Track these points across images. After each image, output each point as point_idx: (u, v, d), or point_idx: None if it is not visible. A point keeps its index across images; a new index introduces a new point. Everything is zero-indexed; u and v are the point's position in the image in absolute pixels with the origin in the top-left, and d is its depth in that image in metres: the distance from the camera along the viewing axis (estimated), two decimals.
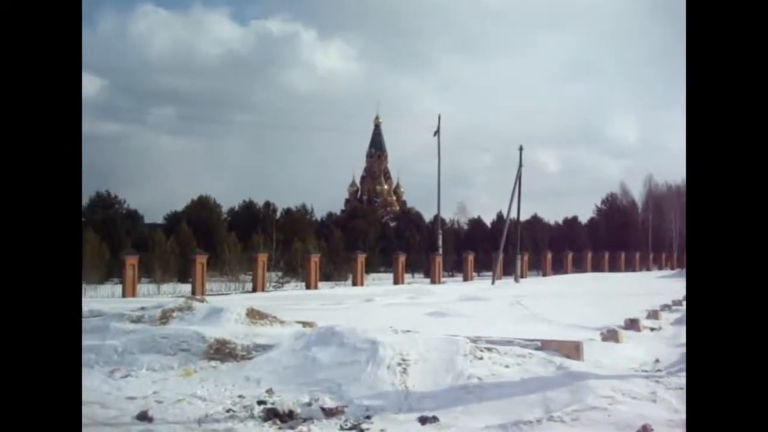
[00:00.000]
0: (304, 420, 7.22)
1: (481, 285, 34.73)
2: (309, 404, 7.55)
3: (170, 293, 26.97)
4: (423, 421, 6.96)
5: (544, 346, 9.38)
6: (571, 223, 75.80)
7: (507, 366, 8.34)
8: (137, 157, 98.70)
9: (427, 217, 66.28)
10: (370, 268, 41.56)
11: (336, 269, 40.49)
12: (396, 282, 37.25)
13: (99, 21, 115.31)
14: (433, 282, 38.74)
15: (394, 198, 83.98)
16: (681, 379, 8.02)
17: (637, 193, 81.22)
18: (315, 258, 34.37)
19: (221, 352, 10.06)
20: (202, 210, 52.32)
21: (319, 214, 65.37)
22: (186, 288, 29.21)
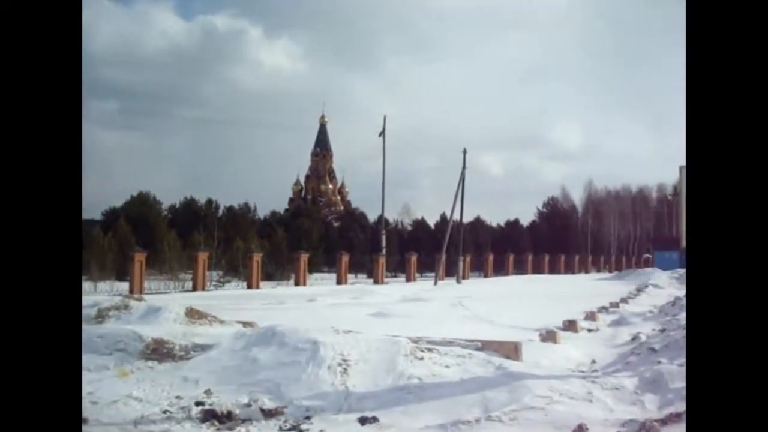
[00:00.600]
0: (243, 421, 7.13)
1: (423, 286, 34.95)
2: (248, 405, 7.46)
3: (107, 291, 26.32)
4: (363, 421, 6.94)
5: (484, 346, 9.48)
6: (513, 225, 77.06)
7: (447, 366, 8.39)
8: None
9: (372, 217, 66.46)
10: (314, 267, 41.45)
11: (278, 269, 40.22)
12: (339, 282, 37.22)
13: None
14: (376, 282, 38.81)
15: (339, 198, 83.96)
16: (616, 380, 8.22)
17: (578, 198, 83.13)
18: (257, 257, 34.06)
19: (159, 352, 9.86)
20: (141, 207, 51.34)
21: (263, 212, 64.93)
22: (124, 286, 28.60)
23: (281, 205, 76.76)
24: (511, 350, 9.54)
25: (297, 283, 35.24)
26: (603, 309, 18.62)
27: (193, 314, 11.64)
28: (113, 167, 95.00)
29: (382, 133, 47.23)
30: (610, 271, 58.84)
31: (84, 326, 11.17)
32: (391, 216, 64.41)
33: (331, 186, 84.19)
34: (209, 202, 59.25)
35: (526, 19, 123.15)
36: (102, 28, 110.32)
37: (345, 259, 38.82)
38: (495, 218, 79.74)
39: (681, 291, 24.78)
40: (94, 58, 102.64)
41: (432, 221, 69.12)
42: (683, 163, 51.76)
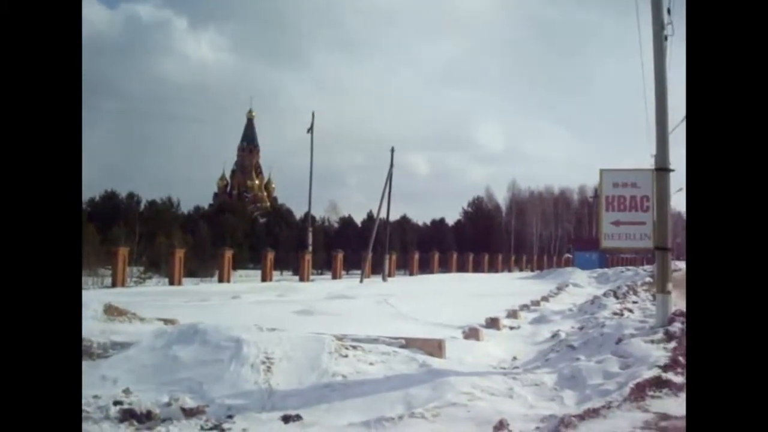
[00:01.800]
0: (163, 420, 6.98)
1: (349, 283, 34.97)
2: (168, 404, 7.30)
3: None
4: (286, 419, 6.90)
5: (408, 344, 9.56)
6: (439, 224, 77.99)
7: (371, 363, 8.42)
8: None
9: (298, 214, 66.19)
10: (238, 264, 40.91)
11: (202, 265, 39.55)
12: (264, 279, 36.88)
13: None
14: (302, 280, 38.63)
15: (265, 194, 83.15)
16: (536, 376, 8.42)
17: (502, 198, 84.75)
18: (180, 253, 33.39)
19: None
20: None
21: (186, 207, 63.70)
22: None
23: (206, 200, 75.62)
24: (435, 347, 9.65)
25: (221, 280, 34.76)
26: (525, 307, 19.03)
27: (112, 311, 11.31)
28: None
29: (311, 130, 47.02)
30: (532, 270, 60.25)
31: None
32: (317, 213, 64.33)
33: (257, 181, 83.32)
34: (130, 195, 57.87)
35: (452, 21, 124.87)
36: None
37: (270, 256, 38.49)
38: (421, 217, 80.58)
39: (599, 290, 25.61)
40: None
41: (359, 219, 69.33)
42: (604, 166, 53.44)
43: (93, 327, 10.37)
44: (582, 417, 6.22)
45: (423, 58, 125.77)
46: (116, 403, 7.43)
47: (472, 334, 12.49)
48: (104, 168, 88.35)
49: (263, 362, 8.13)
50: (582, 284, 31.13)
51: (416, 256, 52.61)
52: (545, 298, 22.36)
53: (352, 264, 46.53)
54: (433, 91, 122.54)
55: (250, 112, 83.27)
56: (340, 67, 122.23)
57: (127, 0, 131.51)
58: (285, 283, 34.52)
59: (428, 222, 78.50)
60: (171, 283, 31.96)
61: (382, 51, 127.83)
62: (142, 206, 56.50)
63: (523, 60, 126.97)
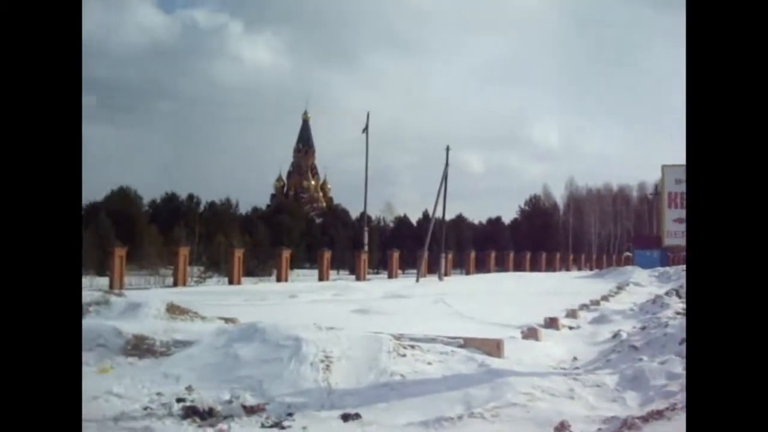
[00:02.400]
0: (225, 418, 7.09)
1: (405, 282, 34.95)
2: (230, 402, 7.43)
3: (87, 287, 26.07)
4: (345, 418, 6.93)
5: (467, 343, 9.50)
6: (495, 223, 77.36)
7: (429, 363, 8.39)
8: None
9: (354, 214, 66.47)
10: (295, 264, 41.32)
11: (260, 265, 40.08)
12: (321, 279, 37.11)
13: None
14: (358, 279, 38.78)
15: (321, 194, 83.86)
16: (597, 377, 8.26)
17: (559, 196, 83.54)
18: (238, 253, 33.90)
19: (139, 348, 9.79)
20: (122, 201, 50.93)
21: (244, 208, 64.61)
22: (104, 281, 28.34)
23: (263, 201, 76.56)
24: (493, 347, 9.56)
25: (278, 279, 35.11)
26: (584, 307, 18.73)
27: (174, 310, 11.56)
28: (94, 161, 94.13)
29: (366, 130, 47.15)
30: (590, 269, 59.24)
31: None
32: (373, 213, 64.38)
33: (313, 182, 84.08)
34: (190, 197, 58.95)
35: (506, 17, 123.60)
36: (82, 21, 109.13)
37: (327, 255, 38.73)
38: (477, 216, 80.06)
39: (661, 289, 25.00)
40: None
41: (414, 218, 69.25)
42: (665, 161, 52.27)
43: (156, 325, 10.62)
44: (645, 419, 6.08)
45: (477, 55, 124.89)
46: (179, 400, 7.60)
47: (530, 334, 12.35)
48: (165, 170, 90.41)
49: (322, 361, 8.19)
50: (643, 283, 30.47)
51: (472, 255, 52.27)
52: (605, 298, 21.95)
53: (408, 263, 46.52)
54: (488, 89, 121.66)
55: (305, 113, 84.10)
56: (393, 66, 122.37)
57: (184, 6, 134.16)
58: (341, 282, 34.72)
59: (484, 221, 77.96)
60: (230, 282, 32.46)
61: (435, 49, 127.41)
62: (202, 207, 57.56)
63: (578, 55, 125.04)
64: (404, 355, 8.54)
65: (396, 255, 43.84)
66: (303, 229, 59.95)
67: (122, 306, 11.67)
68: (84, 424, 6.93)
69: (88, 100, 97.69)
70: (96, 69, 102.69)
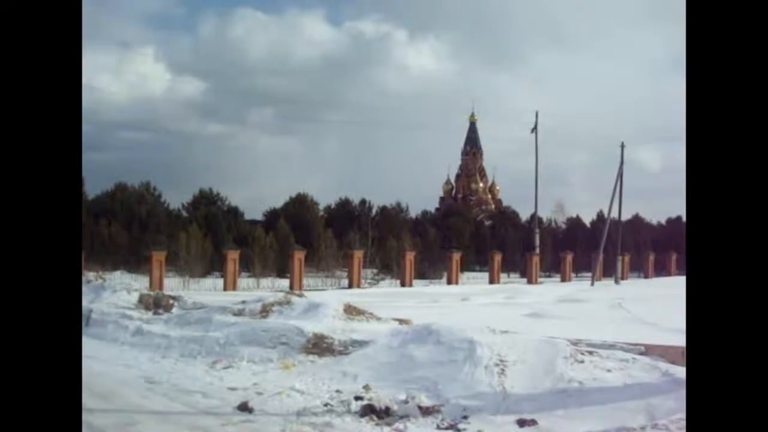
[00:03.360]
0: (401, 417, 7.21)
1: (579, 286, 33.92)
2: (405, 402, 7.54)
3: (269, 287, 27.59)
4: (521, 423, 6.81)
5: (649, 351, 9.03)
6: (675, 223, 72.80)
7: (609, 370, 8.06)
8: (238, 155, 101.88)
9: (524, 215, 65.36)
10: (465, 266, 41.29)
11: (431, 267, 40.43)
12: (492, 281, 36.87)
13: (200, 26, 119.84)
14: (529, 282, 38.11)
15: (490, 196, 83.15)
16: None
17: None
18: (410, 256, 34.42)
19: (319, 346, 10.20)
20: (299, 207, 53.35)
21: (414, 212, 65.45)
22: (284, 283, 29.82)
23: (432, 204, 77.20)
24: (678, 355, 9.00)
25: (449, 282, 35.27)
26: None
27: (351, 311, 11.94)
28: (273, 170, 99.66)
29: (535, 129, 46.35)
30: None
31: (248, 320, 11.80)
32: (544, 214, 63.03)
33: (481, 184, 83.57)
34: (363, 202, 60.58)
35: (675, 4, 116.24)
36: (257, 40, 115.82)
37: (497, 258, 38.38)
38: (656, 216, 75.83)
39: None
40: (251, 69, 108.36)
41: (587, 219, 66.87)
42: None
43: (334, 325, 11.03)
44: None
45: (646, 47, 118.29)
46: (357, 398, 7.83)
47: None
48: (338, 177, 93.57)
49: (497, 365, 8.11)
50: None
51: (651, 257, 49.65)
52: None
53: (581, 266, 45.03)
54: (661, 81, 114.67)
55: (472, 115, 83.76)
56: (559, 63, 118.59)
57: (351, 18, 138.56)
58: (512, 285, 34.27)
59: (663, 221, 73.75)
60: (402, 284, 33.02)
61: (601, 43, 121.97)
62: (374, 211, 59.03)
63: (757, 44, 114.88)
64: (582, 362, 8.26)
65: (569, 257, 42.59)
66: (472, 231, 59.82)
67: (303, 306, 12.22)
68: (269, 418, 7.34)
69: (266, 113, 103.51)
70: (274, 84, 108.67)
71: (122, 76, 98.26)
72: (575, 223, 67.99)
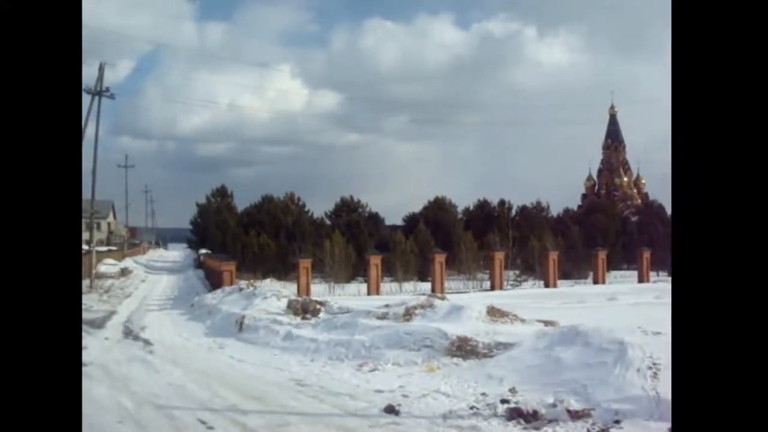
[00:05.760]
0: (549, 421, 7.04)
1: None
2: (554, 405, 7.36)
3: (411, 291, 27.84)
4: None
5: None
6: None
7: None
8: (376, 163, 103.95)
9: None
10: (611, 265, 39.79)
11: (575, 267, 39.31)
12: (641, 280, 35.30)
13: (332, 40, 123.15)
14: None
15: (635, 191, 79.78)
16: None
17: None
18: (553, 255, 33.64)
19: (463, 349, 10.18)
20: (438, 210, 53.51)
21: (555, 210, 63.93)
22: (425, 286, 29.99)
23: (574, 201, 75.13)
24: None
25: (595, 281, 34.16)
26: None
27: (494, 313, 11.83)
28: (410, 175, 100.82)
29: None
30: None
31: (392, 323, 11.96)
32: None
33: (625, 179, 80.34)
34: (502, 202, 59.83)
35: None
36: (388, 48, 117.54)
37: (646, 255, 36.68)
38: None
39: None
40: (384, 77, 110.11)
41: None
42: None
43: (478, 327, 10.97)
44: None
45: None
46: (503, 401, 7.73)
47: None
48: (475, 178, 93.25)
49: (650, 368, 7.73)
50: None
51: None
52: None
53: None
54: None
55: (611, 107, 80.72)
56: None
57: (478, 19, 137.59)
58: (664, 284, 32.64)
59: None
60: (546, 285, 32.33)
61: None
62: (514, 212, 58.18)
63: None
64: None
65: None
66: (618, 228, 57.59)
67: (445, 309, 12.24)
68: (416, 420, 7.39)
69: (401, 119, 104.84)
70: (407, 90, 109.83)
71: (263, 93, 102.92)
72: None
